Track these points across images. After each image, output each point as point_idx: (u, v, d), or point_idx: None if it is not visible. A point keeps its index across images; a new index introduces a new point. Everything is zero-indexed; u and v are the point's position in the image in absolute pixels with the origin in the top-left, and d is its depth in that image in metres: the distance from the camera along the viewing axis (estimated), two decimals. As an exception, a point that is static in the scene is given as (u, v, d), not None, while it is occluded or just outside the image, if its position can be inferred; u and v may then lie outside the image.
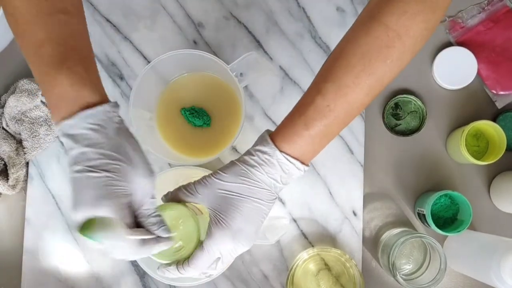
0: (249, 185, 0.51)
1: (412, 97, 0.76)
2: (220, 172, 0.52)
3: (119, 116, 0.48)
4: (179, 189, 0.54)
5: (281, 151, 0.50)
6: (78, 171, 0.45)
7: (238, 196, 0.51)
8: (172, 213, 0.54)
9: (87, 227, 0.44)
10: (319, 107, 0.49)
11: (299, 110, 0.51)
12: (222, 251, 0.51)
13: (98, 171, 0.45)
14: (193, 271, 0.52)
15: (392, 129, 0.77)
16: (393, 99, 0.76)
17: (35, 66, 0.47)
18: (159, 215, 0.49)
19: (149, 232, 0.48)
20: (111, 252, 0.46)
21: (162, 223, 0.49)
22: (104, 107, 0.46)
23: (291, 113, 0.52)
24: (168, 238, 0.49)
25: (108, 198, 0.45)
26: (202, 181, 0.53)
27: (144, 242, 0.47)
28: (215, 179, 0.52)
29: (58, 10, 0.47)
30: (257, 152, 0.51)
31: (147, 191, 0.49)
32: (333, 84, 0.49)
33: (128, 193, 0.47)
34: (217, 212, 0.51)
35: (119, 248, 0.46)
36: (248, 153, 0.52)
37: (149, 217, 0.49)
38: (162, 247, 0.49)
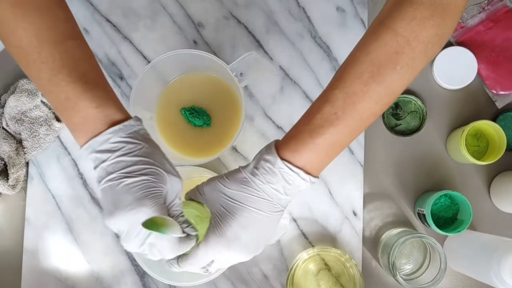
0: (247, 193, 0.49)
1: (412, 97, 0.76)
2: (224, 177, 0.52)
3: (144, 128, 0.51)
4: (195, 187, 0.55)
5: (282, 159, 0.48)
6: (111, 180, 0.47)
7: (236, 204, 0.50)
8: (192, 211, 0.55)
9: (150, 224, 0.46)
10: (326, 115, 0.48)
11: (305, 118, 0.50)
12: (216, 256, 0.51)
13: (136, 175, 0.47)
14: (189, 266, 0.52)
15: (392, 129, 0.77)
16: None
17: (53, 95, 0.48)
18: (183, 215, 0.51)
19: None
20: (160, 251, 0.48)
21: (188, 223, 0.50)
22: (130, 122, 0.49)
23: (298, 122, 0.51)
24: (195, 236, 0.51)
25: (150, 199, 0.47)
26: (208, 182, 0.54)
27: (180, 240, 0.49)
28: (218, 183, 0.52)
29: (66, 37, 0.48)
30: (261, 161, 0.50)
31: (177, 193, 0.51)
32: (341, 91, 0.48)
33: (164, 194, 0.49)
34: (216, 217, 0.51)
35: (164, 247, 0.48)
36: (254, 160, 0.51)
37: (178, 217, 0.50)
38: (191, 244, 0.50)
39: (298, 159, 0.48)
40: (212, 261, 0.52)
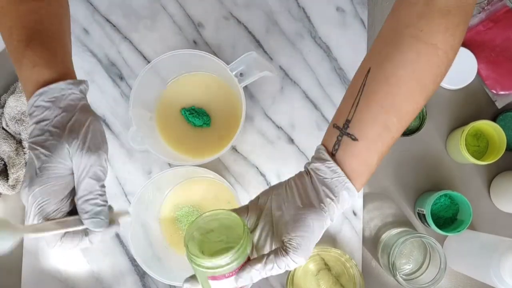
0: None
1: (412, 97, 0.76)
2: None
3: (78, 93, 0.47)
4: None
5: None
6: (28, 148, 0.45)
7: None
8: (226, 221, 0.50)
9: None
10: (387, 142, 0.49)
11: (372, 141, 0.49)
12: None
13: (37, 148, 0.44)
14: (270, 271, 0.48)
15: (392, 129, 0.76)
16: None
17: (10, 53, 0.48)
18: (98, 203, 0.45)
19: (79, 222, 0.45)
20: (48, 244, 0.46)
21: (96, 214, 0.45)
22: (59, 85, 0.46)
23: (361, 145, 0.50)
24: (99, 233, 0.46)
25: (39, 182, 0.44)
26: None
27: (67, 235, 0.45)
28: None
29: None
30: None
31: (86, 170, 0.45)
32: (396, 116, 0.48)
33: (64, 173, 0.45)
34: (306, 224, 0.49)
35: (49, 240, 0.45)
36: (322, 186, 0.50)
37: (84, 203, 0.45)
38: (85, 243, 0.46)
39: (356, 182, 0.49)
40: None
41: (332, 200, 0.48)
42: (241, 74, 0.67)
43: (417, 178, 0.77)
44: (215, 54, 0.78)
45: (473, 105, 0.77)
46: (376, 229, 0.76)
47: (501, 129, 0.70)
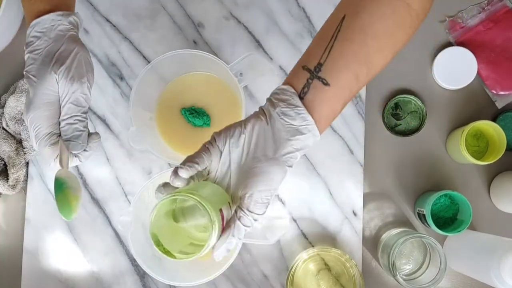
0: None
1: (412, 97, 0.76)
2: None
3: (67, 24, 0.51)
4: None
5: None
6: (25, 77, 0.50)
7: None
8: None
9: None
10: (353, 92, 0.48)
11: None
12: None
13: (30, 76, 0.49)
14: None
15: (392, 129, 0.76)
16: (393, 99, 0.76)
17: None
18: (77, 128, 0.50)
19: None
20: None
21: (74, 137, 0.50)
22: (49, 16, 0.50)
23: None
24: (86, 153, 0.52)
25: (33, 108, 0.49)
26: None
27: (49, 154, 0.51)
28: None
29: None
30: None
31: (69, 96, 0.49)
32: (367, 67, 0.47)
33: (53, 100, 0.49)
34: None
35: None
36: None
37: (64, 126, 0.50)
38: (76, 162, 0.51)
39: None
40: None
41: (298, 150, 0.46)
42: (241, 74, 0.67)
43: (417, 178, 0.77)
44: (215, 54, 0.78)
45: (473, 105, 0.77)
46: (376, 229, 0.76)
47: (501, 129, 0.70)
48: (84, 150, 0.52)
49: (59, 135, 0.51)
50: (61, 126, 0.50)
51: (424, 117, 0.75)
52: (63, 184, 0.51)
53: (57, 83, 0.49)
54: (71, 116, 0.49)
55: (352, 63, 0.47)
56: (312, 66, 0.47)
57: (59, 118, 0.50)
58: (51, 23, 0.50)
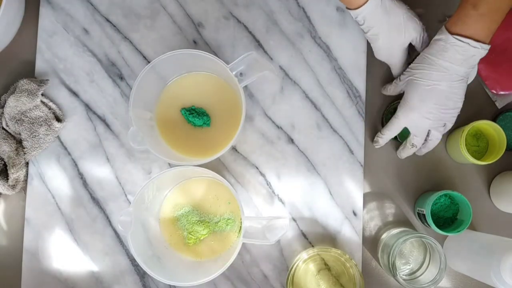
0: (426, 70, 0.63)
1: (412, 97, 0.75)
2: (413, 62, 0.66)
3: None
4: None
5: (452, 33, 0.60)
6: None
7: (417, 80, 0.64)
8: None
9: None
10: None
11: None
12: (408, 123, 0.67)
13: None
14: (389, 133, 0.70)
15: (392, 129, 0.76)
16: (393, 103, 0.76)
17: None
18: None
19: None
20: None
21: None
22: None
23: (460, 2, 0.60)
24: None
25: None
26: (404, 71, 0.68)
27: None
28: (408, 68, 0.67)
29: None
30: (435, 41, 0.62)
31: None
32: None
33: None
34: (405, 93, 0.67)
35: None
36: (432, 42, 0.63)
37: None
38: None
39: (466, 30, 0.59)
40: (414, 136, 0.68)
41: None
42: (241, 74, 0.67)
43: (417, 178, 0.77)
44: (215, 54, 0.78)
45: (473, 105, 0.77)
46: (376, 229, 0.76)
47: (501, 129, 0.70)
48: None
49: None
50: None
51: (424, 117, 0.75)
52: None
53: None
54: None
55: None
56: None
57: None
58: None
